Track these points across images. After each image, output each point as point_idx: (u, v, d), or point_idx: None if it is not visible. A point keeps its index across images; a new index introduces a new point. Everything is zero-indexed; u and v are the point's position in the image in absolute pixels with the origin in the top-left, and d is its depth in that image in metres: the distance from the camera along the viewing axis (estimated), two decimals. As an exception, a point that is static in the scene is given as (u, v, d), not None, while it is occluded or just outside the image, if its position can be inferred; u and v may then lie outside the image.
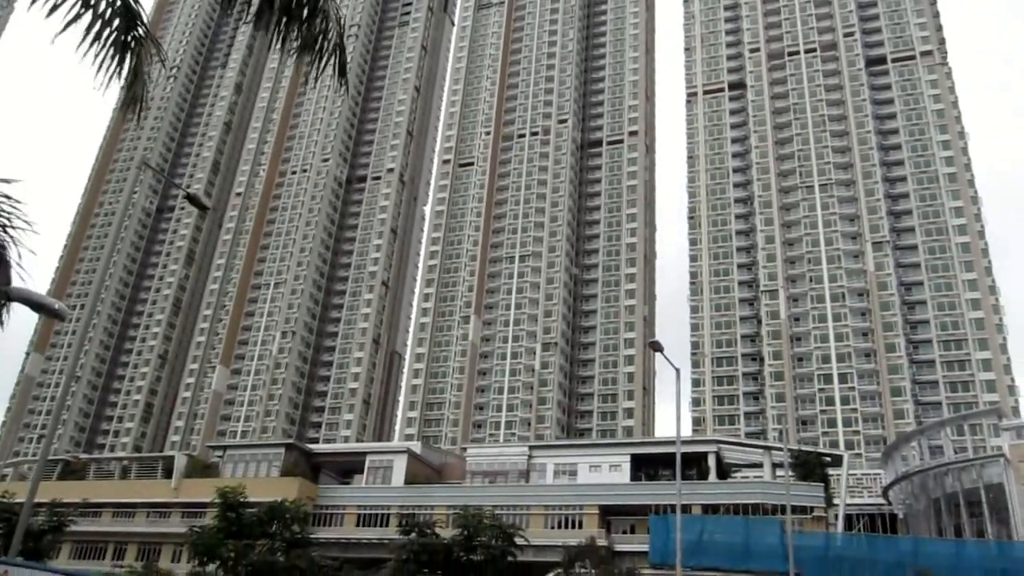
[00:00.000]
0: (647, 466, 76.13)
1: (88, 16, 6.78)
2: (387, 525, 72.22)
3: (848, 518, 73.22)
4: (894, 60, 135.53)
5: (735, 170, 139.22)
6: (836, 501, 71.56)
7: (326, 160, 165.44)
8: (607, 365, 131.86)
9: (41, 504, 40.72)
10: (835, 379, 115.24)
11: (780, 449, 64.61)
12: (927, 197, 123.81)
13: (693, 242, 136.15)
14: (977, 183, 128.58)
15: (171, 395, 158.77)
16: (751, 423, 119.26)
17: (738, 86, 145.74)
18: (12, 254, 8.68)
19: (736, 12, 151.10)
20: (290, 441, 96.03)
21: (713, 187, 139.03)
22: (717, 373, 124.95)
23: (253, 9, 7.18)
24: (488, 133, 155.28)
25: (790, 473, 53.55)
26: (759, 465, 76.53)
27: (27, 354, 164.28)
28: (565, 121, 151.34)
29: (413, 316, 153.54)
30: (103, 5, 6.83)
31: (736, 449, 79.95)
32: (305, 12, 7.45)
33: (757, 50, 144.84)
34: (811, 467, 71.10)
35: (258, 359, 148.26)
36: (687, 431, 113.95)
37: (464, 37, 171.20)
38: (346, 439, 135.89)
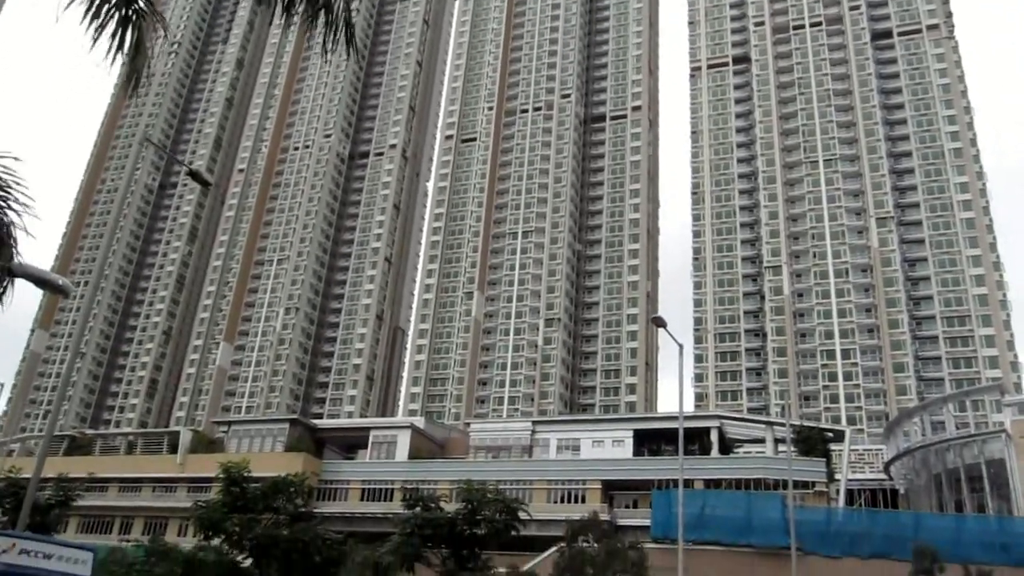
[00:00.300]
0: (650, 441, 76.37)
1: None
2: (391, 500, 72.65)
3: (850, 493, 73.57)
4: (900, 34, 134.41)
5: (739, 145, 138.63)
6: (838, 476, 71.83)
7: (328, 136, 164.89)
8: (610, 341, 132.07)
9: (48, 479, 40.99)
10: (838, 355, 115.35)
11: (782, 424, 64.83)
12: (932, 172, 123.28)
13: (696, 218, 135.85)
14: (982, 158, 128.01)
15: (175, 371, 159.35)
16: (753, 399, 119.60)
17: (742, 60, 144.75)
18: (15, 231, 8.69)
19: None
20: (294, 416, 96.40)
21: (717, 162, 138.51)
22: (720, 349, 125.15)
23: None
24: (491, 108, 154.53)
25: (792, 448, 53.75)
26: (761, 440, 76.80)
27: (32, 331, 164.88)
28: (568, 96, 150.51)
29: (416, 292, 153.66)
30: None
31: (738, 424, 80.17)
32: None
33: (762, 24, 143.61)
34: (813, 442, 71.31)
35: (262, 335, 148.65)
36: (689, 406, 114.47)
37: (466, 11, 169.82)
38: (350, 414, 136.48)
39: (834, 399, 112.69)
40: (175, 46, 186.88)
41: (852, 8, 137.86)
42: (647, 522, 61.88)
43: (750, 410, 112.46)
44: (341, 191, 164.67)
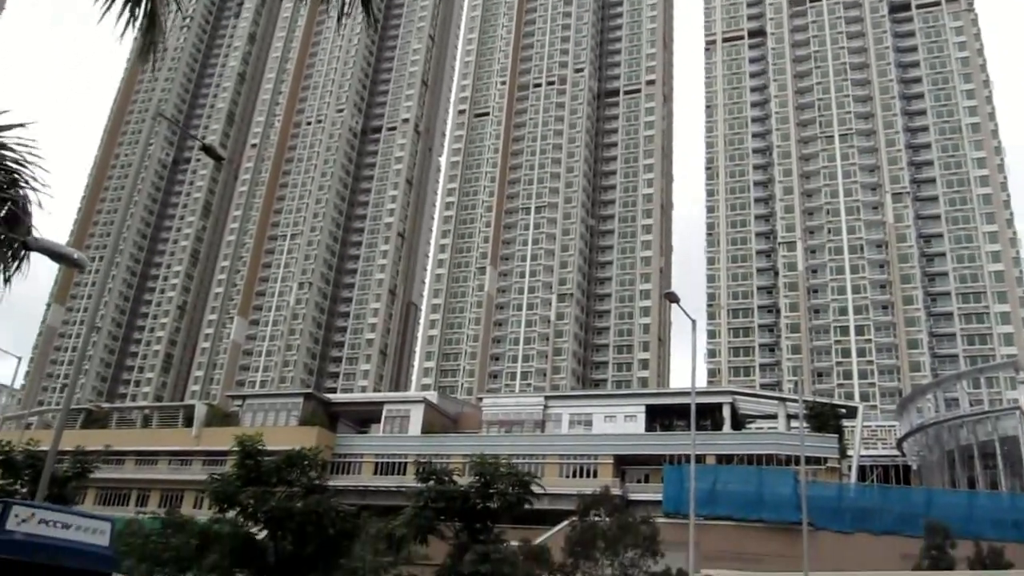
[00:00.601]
0: (662, 416, 76.57)
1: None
2: (404, 473, 73.23)
3: (862, 469, 73.63)
4: (919, 6, 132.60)
5: (754, 120, 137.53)
6: (850, 452, 71.88)
7: (341, 111, 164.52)
8: (623, 316, 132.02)
9: (65, 452, 41.45)
10: (851, 331, 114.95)
11: (795, 400, 64.77)
12: (949, 147, 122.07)
13: (710, 193, 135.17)
14: (1000, 134, 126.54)
15: (190, 346, 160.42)
16: (766, 374, 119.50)
17: (758, 33, 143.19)
18: (31, 206, 8.73)
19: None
20: (308, 391, 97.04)
21: (731, 137, 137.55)
22: (733, 325, 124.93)
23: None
24: (504, 83, 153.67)
25: (804, 424, 53.74)
26: (774, 416, 76.87)
27: (48, 305, 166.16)
28: (582, 70, 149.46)
29: (429, 267, 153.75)
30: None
31: (751, 400, 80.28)
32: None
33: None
34: (825, 419, 71.33)
35: (276, 310, 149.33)
36: (702, 382, 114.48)
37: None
38: (363, 389, 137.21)
39: (847, 375, 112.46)
40: (187, 20, 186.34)
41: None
42: (659, 497, 62.20)
43: (763, 386, 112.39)
44: (354, 166, 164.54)
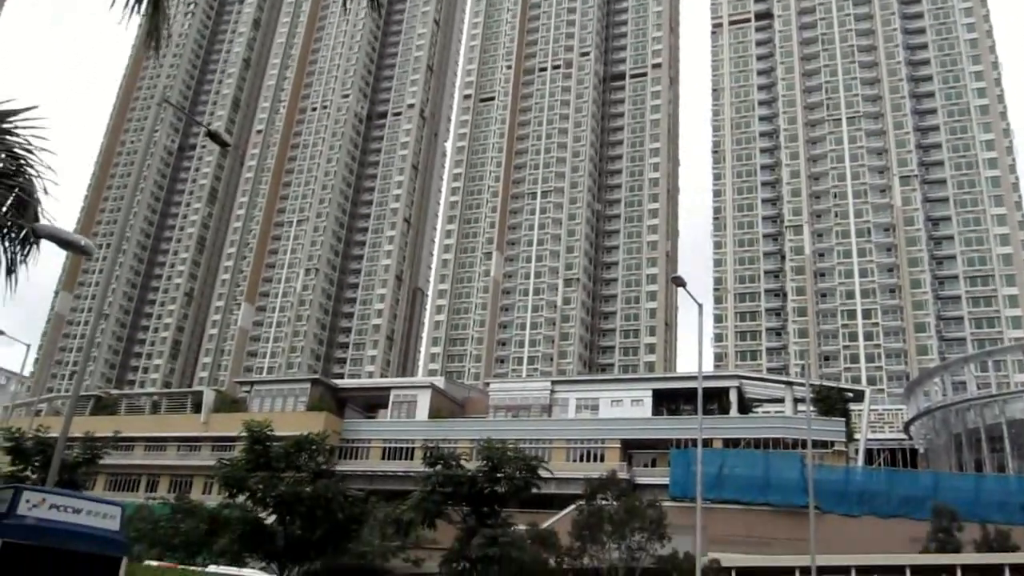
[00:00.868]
0: (668, 401, 76.62)
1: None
2: (412, 458, 73.50)
3: (869, 453, 73.62)
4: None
5: (761, 103, 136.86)
6: (857, 436, 71.88)
7: (346, 96, 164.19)
8: (629, 301, 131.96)
9: (75, 438, 41.69)
10: (859, 315, 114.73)
11: (802, 384, 64.76)
12: (958, 130, 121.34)
13: (717, 177, 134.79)
14: (1009, 115, 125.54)
15: (198, 332, 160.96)
16: (773, 358, 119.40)
17: (765, 16, 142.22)
18: (38, 192, 8.75)
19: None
20: (315, 376, 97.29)
21: (738, 121, 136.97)
22: (739, 309, 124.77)
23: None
24: (509, 67, 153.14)
25: (811, 408, 53.75)
26: (780, 400, 76.83)
27: (56, 292, 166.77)
28: (587, 54, 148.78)
29: (435, 252, 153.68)
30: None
31: (758, 384, 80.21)
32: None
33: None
34: (832, 402, 71.28)
35: (282, 296, 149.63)
36: (709, 366, 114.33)
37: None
38: (370, 374, 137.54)
39: (854, 359, 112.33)
40: (191, 6, 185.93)
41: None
42: (665, 481, 62.41)
43: (770, 370, 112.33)
44: (359, 152, 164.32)
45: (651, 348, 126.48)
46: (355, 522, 39.22)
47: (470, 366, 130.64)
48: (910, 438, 78.42)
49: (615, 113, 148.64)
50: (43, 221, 9.28)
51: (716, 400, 73.40)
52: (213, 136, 23.98)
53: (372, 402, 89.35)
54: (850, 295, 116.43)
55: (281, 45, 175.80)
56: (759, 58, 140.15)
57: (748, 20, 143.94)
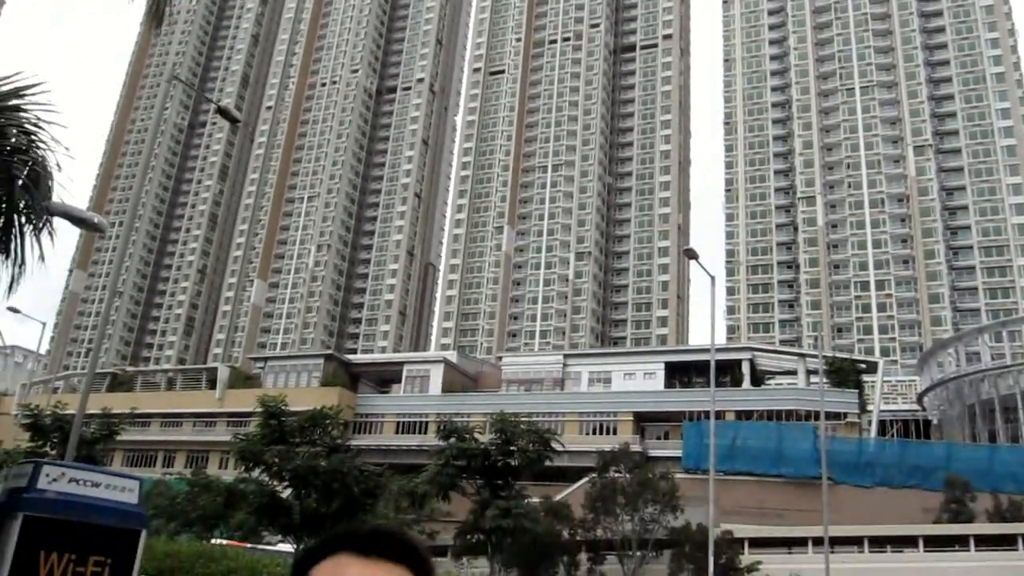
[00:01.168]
0: (681, 373, 76.76)
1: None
2: (425, 432, 74.00)
3: (882, 424, 73.57)
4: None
5: (773, 73, 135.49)
6: (870, 407, 71.84)
7: (355, 71, 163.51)
8: (641, 273, 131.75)
9: (92, 415, 42.10)
10: (872, 286, 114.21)
11: (814, 356, 64.68)
12: (972, 99, 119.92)
13: (729, 148, 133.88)
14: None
15: (212, 308, 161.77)
16: (786, 330, 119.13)
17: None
18: (51, 169, 8.77)
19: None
20: (329, 352, 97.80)
21: (750, 91, 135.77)
22: (752, 281, 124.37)
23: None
24: (519, 40, 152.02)
25: (824, 380, 53.70)
26: (793, 372, 76.84)
27: (70, 271, 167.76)
28: (598, 25, 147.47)
29: (447, 227, 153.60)
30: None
31: (770, 356, 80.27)
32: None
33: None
34: (845, 374, 71.27)
35: (295, 272, 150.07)
36: (721, 339, 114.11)
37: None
38: (383, 349, 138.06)
39: (868, 330, 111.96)
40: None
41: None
42: (678, 453, 62.70)
43: (782, 342, 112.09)
44: (369, 127, 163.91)
45: (663, 321, 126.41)
46: (370, 495, 39.50)
47: (482, 340, 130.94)
48: (923, 409, 78.29)
49: (626, 85, 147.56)
50: (56, 199, 9.32)
51: (729, 372, 73.46)
52: (223, 112, 23.98)
53: (385, 377, 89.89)
54: (863, 266, 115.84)
55: (290, 20, 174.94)
56: (771, 27, 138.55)
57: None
